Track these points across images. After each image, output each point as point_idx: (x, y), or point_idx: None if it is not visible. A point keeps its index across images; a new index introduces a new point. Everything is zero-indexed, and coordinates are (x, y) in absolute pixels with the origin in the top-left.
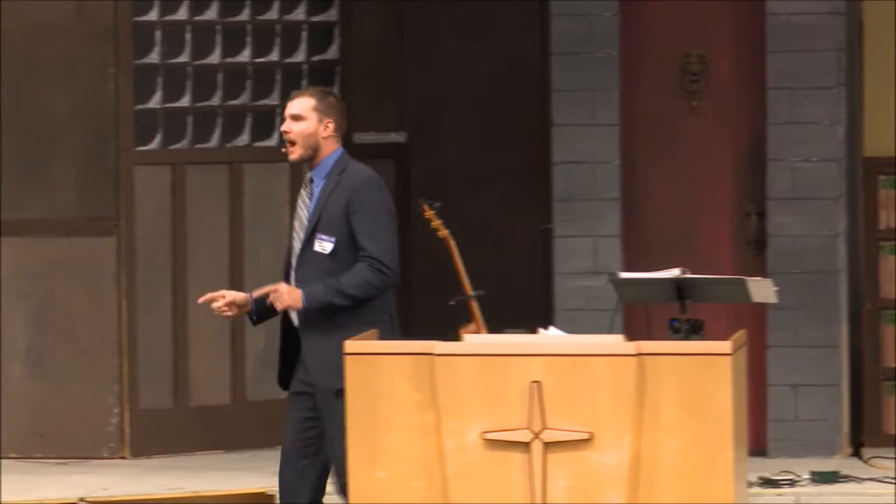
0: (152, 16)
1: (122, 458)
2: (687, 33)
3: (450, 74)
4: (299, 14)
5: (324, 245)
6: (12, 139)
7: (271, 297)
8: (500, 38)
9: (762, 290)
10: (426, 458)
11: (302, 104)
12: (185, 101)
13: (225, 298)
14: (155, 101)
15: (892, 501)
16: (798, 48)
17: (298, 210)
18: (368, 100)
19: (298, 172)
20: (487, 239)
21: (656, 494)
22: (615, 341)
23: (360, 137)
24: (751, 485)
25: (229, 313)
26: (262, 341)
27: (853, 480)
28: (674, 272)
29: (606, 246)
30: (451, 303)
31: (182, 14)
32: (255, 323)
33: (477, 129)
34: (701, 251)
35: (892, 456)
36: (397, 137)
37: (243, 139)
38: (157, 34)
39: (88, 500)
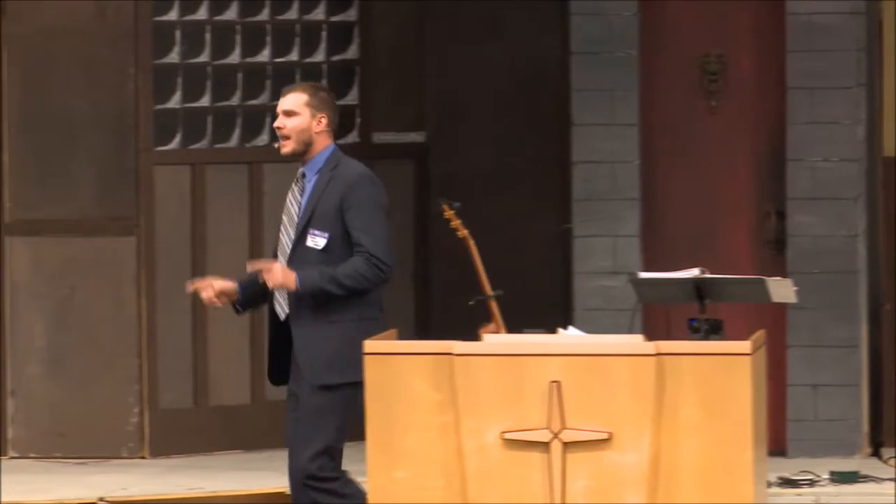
0: (172, 16)
1: (142, 457)
2: (706, 33)
3: (469, 74)
4: (319, 14)
5: (316, 240)
6: (33, 139)
7: (264, 275)
8: (519, 38)
9: (782, 290)
10: (445, 458)
11: (294, 100)
12: (204, 101)
13: (213, 288)
14: (175, 101)
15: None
16: (818, 48)
17: (288, 205)
18: (388, 100)
19: None
20: (507, 239)
21: (675, 494)
22: (634, 341)
23: (380, 137)
24: (770, 485)
25: (218, 303)
26: None
27: (873, 480)
28: (693, 272)
29: (626, 246)
30: (471, 303)
31: (202, 14)
32: (238, 312)
33: (496, 129)
34: (720, 251)
35: None
36: (417, 137)
37: (263, 139)
38: (177, 34)
39: (108, 499)
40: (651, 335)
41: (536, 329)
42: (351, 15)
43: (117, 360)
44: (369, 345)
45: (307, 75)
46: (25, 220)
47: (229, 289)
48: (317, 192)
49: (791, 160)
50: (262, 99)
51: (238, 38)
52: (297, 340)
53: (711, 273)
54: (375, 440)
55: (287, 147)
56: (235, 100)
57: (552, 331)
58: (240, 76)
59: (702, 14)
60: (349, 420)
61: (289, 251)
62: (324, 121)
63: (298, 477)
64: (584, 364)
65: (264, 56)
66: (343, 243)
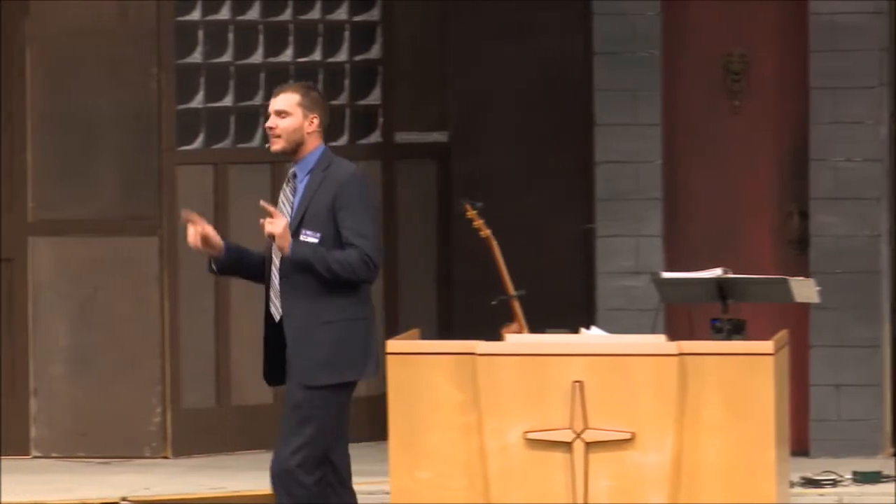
0: (195, 16)
1: (165, 457)
2: (729, 33)
3: (492, 74)
4: (342, 14)
5: (309, 241)
6: (56, 139)
7: (269, 220)
8: (542, 38)
9: (805, 290)
10: (468, 458)
11: (287, 100)
12: (227, 101)
13: (203, 230)
14: (197, 101)
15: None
16: (841, 48)
17: (280, 205)
18: (411, 99)
19: None
20: (529, 239)
21: (698, 494)
22: (657, 341)
23: (403, 137)
24: (793, 485)
25: (198, 243)
26: None
27: (895, 481)
28: (716, 272)
29: (648, 246)
30: (493, 302)
31: (224, 14)
32: (212, 271)
33: (519, 129)
34: (743, 251)
35: None
36: (439, 137)
37: None
38: (200, 34)
39: (131, 499)
40: (673, 335)
41: (559, 329)
42: (374, 14)
43: (140, 359)
44: (392, 344)
45: (330, 75)
46: (48, 220)
47: (215, 241)
48: (309, 192)
49: (814, 160)
50: None
51: (261, 37)
52: (289, 341)
53: (734, 273)
54: (398, 440)
55: (277, 145)
56: (258, 100)
57: (575, 331)
58: (262, 76)
59: (724, 14)
60: (346, 420)
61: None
62: (315, 121)
63: (277, 471)
64: (607, 364)
65: (287, 56)
66: (335, 243)
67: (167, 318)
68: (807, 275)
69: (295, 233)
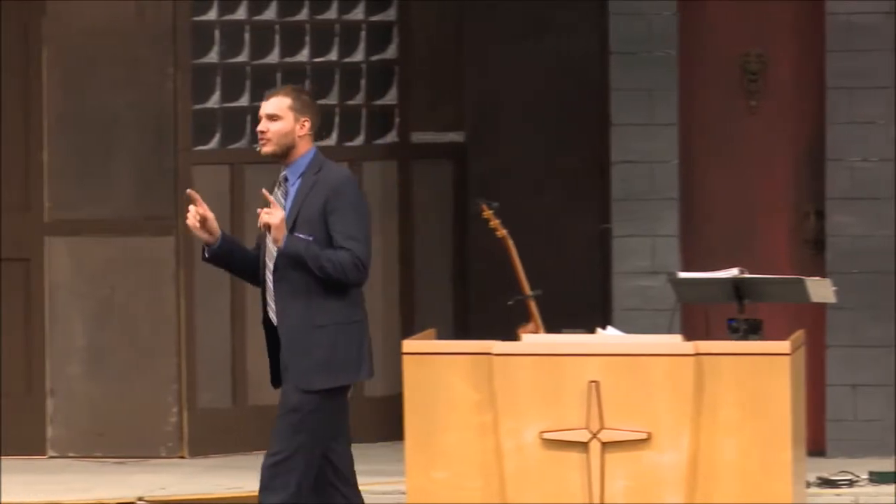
0: (211, 16)
1: (181, 457)
2: (746, 33)
3: (508, 74)
4: (358, 14)
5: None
6: (72, 139)
7: (266, 210)
8: (558, 38)
9: (821, 290)
10: (484, 458)
11: (277, 103)
12: (243, 101)
13: (205, 213)
14: (214, 101)
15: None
16: (857, 48)
17: None
18: (427, 99)
19: (356, 172)
20: (545, 239)
21: (714, 494)
22: (673, 341)
23: (419, 137)
24: (809, 485)
25: (196, 224)
26: None
27: None
28: (732, 272)
29: (665, 246)
30: (510, 303)
31: (241, 14)
32: (204, 259)
33: (535, 129)
34: (759, 251)
35: None
36: (455, 137)
37: None
38: (216, 34)
39: (147, 499)
40: (690, 335)
41: (575, 329)
42: (390, 14)
43: (156, 359)
44: (408, 344)
45: (346, 75)
46: (65, 220)
47: (212, 226)
48: (300, 196)
49: (830, 160)
50: None
51: (277, 37)
52: (283, 345)
53: (750, 273)
54: (414, 440)
55: (267, 147)
56: None
57: (591, 331)
58: (279, 76)
59: (741, 14)
60: (345, 420)
61: (275, 254)
62: (307, 124)
63: (265, 471)
64: (623, 364)
65: (303, 56)
66: (326, 246)
67: (183, 317)
68: (823, 275)
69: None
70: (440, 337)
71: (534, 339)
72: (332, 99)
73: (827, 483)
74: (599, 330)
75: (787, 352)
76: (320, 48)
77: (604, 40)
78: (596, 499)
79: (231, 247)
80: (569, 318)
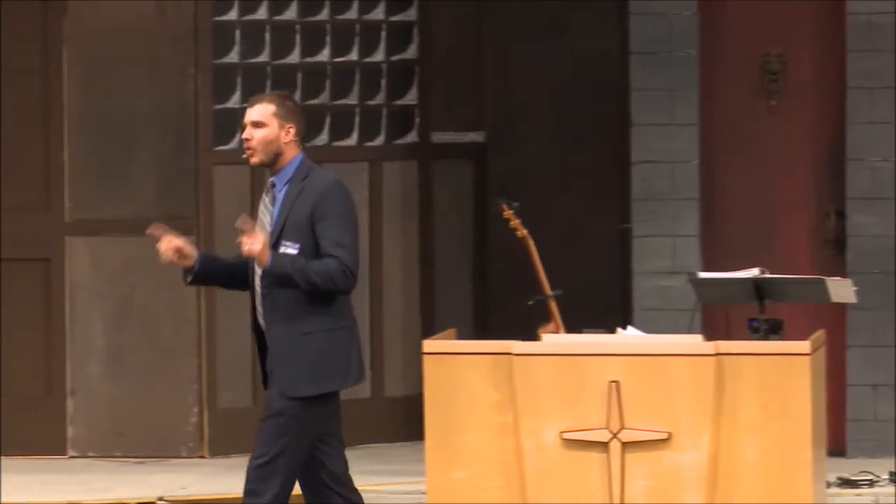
0: (232, 16)
1: (201, 457)
2: (766, 32)
3: (528, 74)
4: (378, 14)
5: (288, 251)
6: (93, 139)
7: (246, 237)
8: (578, 38)
9: (841, 289)
10: (504, 458)
11: (262, 110)
12: None
13: (172, 242)
14: (234, 101)
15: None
16: (878, 48)
17: (261, 215)
18: (447, 99)
19: (377, 172)
20: (566, 239)
21: (735, 494)
22: (694, 341)
23: (439, 137)
24: (829, 485)
25: (172, 258)
26: None
27: None
28: (753, 272)
29: (685, 246)
30: (530, 302)
31: (261, 14)
32: (186, 282)
33: (555, 129)
34: (780, 251)
35: None
36: (475, 137)
37: (322, 139)
38: (237, 34)
39: (167, 499)
40: (710, 335)
41: (595, 329)
42: (410, 15)
43: (176, 359)
44: (428, 344)
45: (366, 75)
46: (86, 219)
47: (188, 252)
48: (288, 202)
49: (851, 160)
50: (322, 99)
51: (297, 37)
52: (270, 351)
53: (771, 273)
54: (434, 440)
55: (255, 157)
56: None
57: (611, 331)
58: (299, 76)
59: (762, 14)
60: (336, 423)
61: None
62: (292, 131)
63: (249, 473)
64: (644, 364)
65: (324, 56)
66: (314, 253)
67: (203, 317)
68: (844, 275)
69: (275, 243)
70: (460, 337)
71: (554, 339)
72: (352, 99)
73: (847, 483)
74: (620, 330)
75: (808, 352)
76: (341, 48)
77: (624, 40)
78: (616, 499)
79: (212, 264)
80: (589, 318)
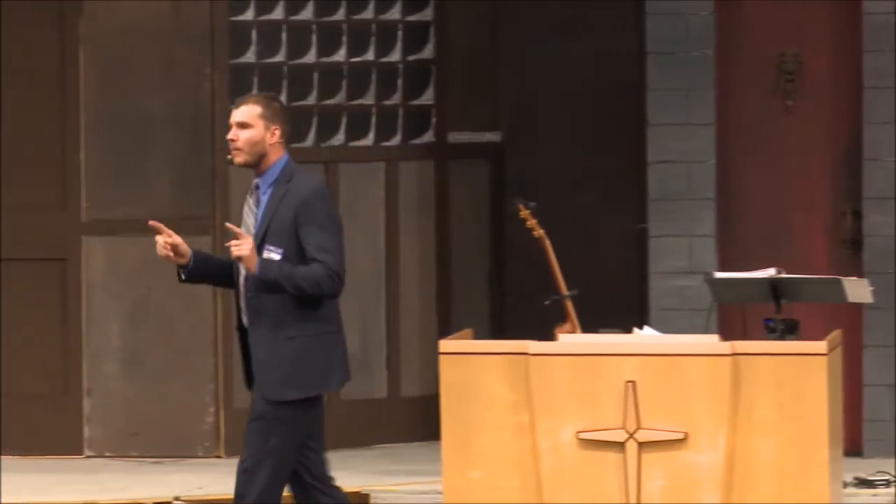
0: (248, 16)
1: (218, 456)
2: (783, 32)
3: (545, 74)
4: (395, 14)
5: (272, 256)
6: (109, 139)
7: (235, 242)
8: (594, 38)
9: (858, 289)
10: (520, 457)
11: (247, 111)
12: None
13: (171, 238)
14: None
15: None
16: (894, 47)
17: (245, 217)
18: (463, 99)
19: (393, 172)
20: (582, 238)
21: (751, 494)
22: (710, 341)
23: (455, 137)
24: (846, 485)
25: (168, 253)
26: (357, 341)
27: None
28: (769, 272)
29: (701, 246)
30: (546, 302)
31: (278, 14)
32: (181, 280)
33: (572, 129)
34: (796, 251)
35: None
36: (492, 137)
37: (338, 139)
38: (253, 34)
39: (184, 499)
40: (727, 335)
41: (612, 329)
42: (427, 14)
43: (193, 359)
44: (445, 344)
45: (383, 75)
46: (102, 219)
47: (183, 250)
48: (271, 206)
49: (867, 160)
50: (338, 99)
51: (314, 37)
52: (254, 354)
53: (787, 273)
54: (451, 440)
55: (239, 158)
56: (311, 99)
57: (628, 331)
58: (315, 76)
59: (778, 14)
60: (319, 426)
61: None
62: (277, 132)
63: (238, 477)
64: (660, 364)
65: (340, 56)
66: (297, 258)
67: (220, 317)
68: (860, 275)
69: (259, 246)
70: (477, 337)
71: (570, 339)
72: (368, 99)
73: (864, 483)
74: (636, 330)
75: (824, 352)
76: (357, 48)
77: (641, 40)
78: (632, 499)
79: (205, 262)
80: (605, 318)
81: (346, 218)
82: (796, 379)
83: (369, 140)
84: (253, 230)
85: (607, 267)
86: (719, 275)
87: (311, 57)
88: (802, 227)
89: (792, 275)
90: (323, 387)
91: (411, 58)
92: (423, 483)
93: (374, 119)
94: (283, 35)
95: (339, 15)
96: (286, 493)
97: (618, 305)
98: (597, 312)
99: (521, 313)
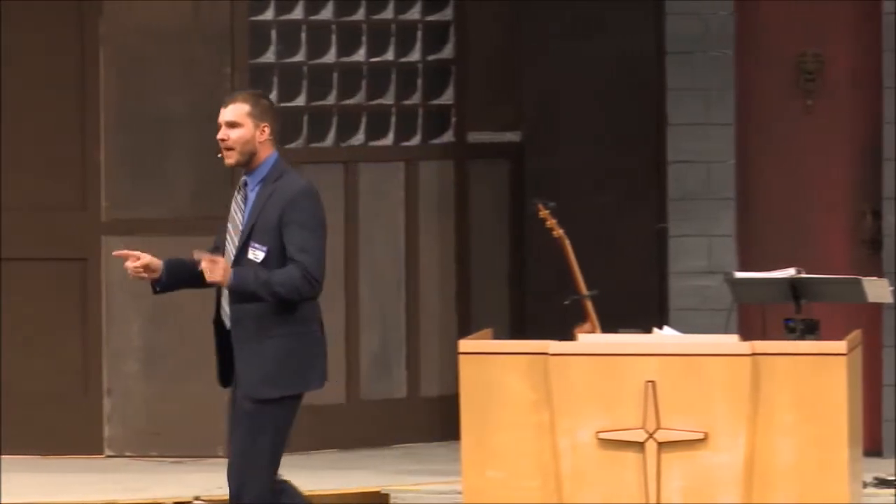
0: (268, 15)
1: None
2: (802, 32)
3: (565, 73)
4: (414, 13)
5: (256, 254)
6: (129, 139)
7: (206, 266)
8: (614, 37)
9: (878, 289)
10: (540, 457)
11: (236, 110)
12: (300, 101)
13: (140, 260)
14: None
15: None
16: None
17: (233, 213)
18: (483, 99)
19: (413, 172)
20: (602, 238)
21: (771, 494)
22: (730, 341)
23: (475, 137)
24: (866, 485)
25: (144, 275)
26: (377, 340)
27: None
28: (789, 272)
29: (721, 245)
30: (566, 302)
31: (297, 14)
32: (155, 292)
33: (592, 129)
34: (816, 251)
35: None
36: (512, 137)
37: (358, 138)
38: (273, 34)
39: (204, 498)
40: (746, 335)
41: (631, 329)
42: (447, 14)
43: (212, 359)
44: (465, 344)
45: (403, 75)
46: (121, 219)
47: (155, 265)
48: (258, 204)
49: (887, 160)
50: (358, 98)
51: (333, 37)
52: (237, 353)
53: (807, 273)
54: (470, 439)
55: (231, 158)
56: (331, 99)
57: (647, 331)
58: (335, 75)
59: (798, 13)
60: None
61: (232, 260)
62: (266, 130)
63: (235, 478)
64: (680, 364)
65: (360, 55)
66: (281, 257)
67: None
68: (880, 275)
69: (244, 243)
70: (496, 337)
71: (590, 339)
72: (388, 99)
73: (884, 483)
74: (656, 330)
75: (844, 352)
76: (377, 48)
77: (660, 40)
78: (652, 499)
79: (178, 270)
80: (625, 317)
81: (365, 218)
82: (816, 379)
83: (389, 140)
84: (240, 227)
85: (627, 267)
86: (739, 275)
87: (330, 57)
88: (822, 227)
89: (812, 275)
90: (303, 386)
91: (431, 57)
92: (443, 483)
93: (393, 119)
94: (303, 35)
95: (359, 15)
96: None
97: (637, 305)
98: (616, 312)
99: (540, 313)
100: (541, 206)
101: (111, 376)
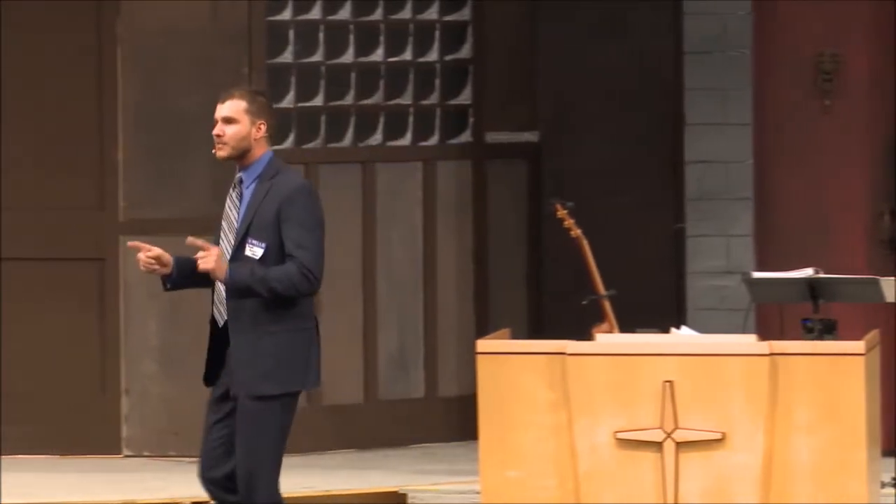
0: (286, 15)
1: None
2: (821, 32)
3: (582, 73)
4: (432, 13)
5: (254, 250)
6: (147, 139)
7: (201, 255)
8: (632, 37)
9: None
10: (558, 457)
11: (233, 106)
12: (318, 101)
13: (152, 252)
14: (288, 101)
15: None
16: None
17: (227, 211)
18: (501, 99)
19: (431, 172)
20: (620, 238)
21: (789, 494)
22: (748, 341)
23: (493, 137)
24: (884, 485)
25: (155, 267)
26: (395, 340)
27: None
28: (807, 272)
29: (739, 245)
30: (584, 302)
31: (315, 14)
32: (166, 288)
33: (609, 128)
34: (834, 251)
35: None
36: (530, 137)
37: (376, 138)
38: (291, 34)
39: None
40: (764, 335)
41: (649, 329)
42: (464, 14)
43: None
44: (482, 344)
45: (420, 75)
46: (139, 219)
47: (166, 259)
48: (255, 201)
49: None
50: (376, 98)
51: (351, 37)
52: (234, 350)
53: (825, 273)
54: (488, 439)
55: (223, 152)
56: (349, 99)
57: (665, 331)
58: (353, 76)
59: (816, 13)
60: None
61: (228, 257)
62: (263, 127)
63: (242, 478)
64: (698, 364)
65: (378, 55)
66: (279, 253)
67: None
68: None
69: (241, 240)
70: (514, 337)
71: (608, 339)
72: (406, 99)
73: None
74: (674, 330)
75: (862, 352)
76: (394, 48)
77: (678, 40)
78: (670, 499)
79: (186, 269)
80: (643, 317)
81: (383, 218)
82: (834, 379)
83: (407, 140)
84: (235, 224)
85: (645, 267)
86: (757, 275)
87: (348, 57)
88: (840, 227)
89: (829, 275)
90: (301, 384)
91: (449, 57)
92: (461, 483)
93: (411, 119)
94: (321, 35)
95: (377, 15)
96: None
97: (655, 305)
98: (634, 312)
99: (558, 313)
100: (558, 206)
101: (129, 376)
